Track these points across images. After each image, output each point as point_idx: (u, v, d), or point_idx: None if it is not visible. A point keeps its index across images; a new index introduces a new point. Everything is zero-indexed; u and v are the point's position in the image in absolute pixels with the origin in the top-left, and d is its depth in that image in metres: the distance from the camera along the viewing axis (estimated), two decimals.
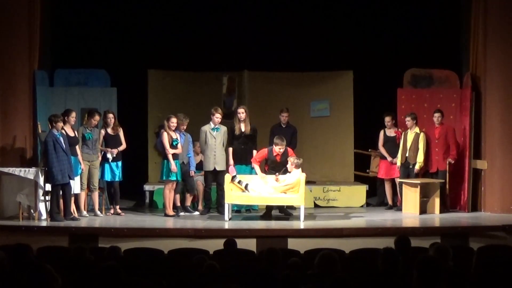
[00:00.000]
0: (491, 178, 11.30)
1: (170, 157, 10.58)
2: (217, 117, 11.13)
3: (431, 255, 5.65)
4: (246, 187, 10.38)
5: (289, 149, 10.81)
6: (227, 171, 10.80)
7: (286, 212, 10.86)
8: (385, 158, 11.64)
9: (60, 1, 12.53)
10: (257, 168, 10.77)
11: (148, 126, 13.29)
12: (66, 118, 10.35)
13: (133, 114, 12.77)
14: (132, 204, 12.36)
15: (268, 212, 10.76)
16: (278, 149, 10.63)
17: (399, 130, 11.58)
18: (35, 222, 10.05)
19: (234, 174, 10.56)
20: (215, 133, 11.17)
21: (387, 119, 11.57)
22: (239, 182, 10.42)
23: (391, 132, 11.59)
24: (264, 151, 10.80)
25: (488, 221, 10.59)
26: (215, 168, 11.13)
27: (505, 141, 11.18)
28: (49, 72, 12.13)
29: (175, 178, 10.64)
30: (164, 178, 10.75)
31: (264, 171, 10.79)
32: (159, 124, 11.56)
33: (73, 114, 10.51)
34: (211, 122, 11.20)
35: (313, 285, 5.10)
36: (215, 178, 11.21)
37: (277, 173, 10.48)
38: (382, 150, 11.67)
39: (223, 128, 11.26)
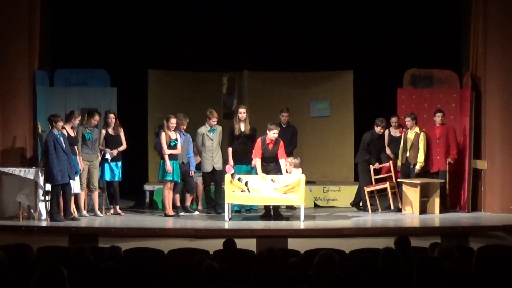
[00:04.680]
0: (491, 178, 11.29)
1: (166, 157, 10.59)
2: (214, 121, 11.19)
3: (431, 255, 5.65)
4: (246, 184, 10.37)
5: (281, 140, 10.79)
6: (225, 171, 10.79)
7: (283, 216, 10.83)
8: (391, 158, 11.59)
9: (60, 1, 12.53)
10: (258, 162, 10.66)
11: (148, 126, 13.29)
12: (72, 119, 10.37)
13: (133, 114, 12.77)
14: (132, 204, 12.36)
15: (267, 212, 10.75)
16: (272, 134, 10.59)
17: (403, 130, 11.54)
18: (35, 222, 10.04)
19: (232, 172, 10.55)
20: (211, 135, 11.21)
21: (394, 119, 11.55)
22: (239, 179, 10.42)
23: (396, 133, 11.56)
24: (258, 142, 10.73)
25: (488, 221, 10.59)
26: (214, 168, 11.15)
27: (505, 141, 11.18)
28: (49, 72, 12.13)
29: (170, 178, 10.65)
30: (160, 178, 10.80)
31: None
32: (159, 124, 11.57)
33: (79, 118, 10.53)
34: (207, 124, 11.22)
35: (313, 285, 5.10)
36: (213, 178, 11.23)
37: (272, 179, 10.47)
38: (387, 149, 11.64)
39: (219, 128, 11.31)
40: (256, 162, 10.72)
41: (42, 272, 4.33)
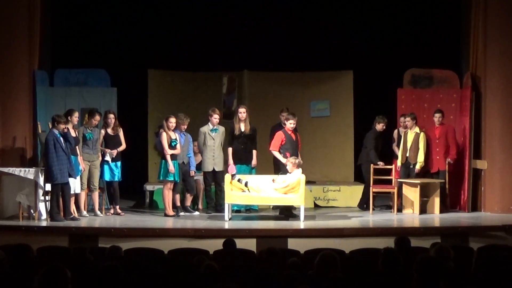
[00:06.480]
0: (491, 178, 11.30)
1: (169, 157, 10.59)
2: (215, 117, 11.18)
3: (431, 255, 5.65)
4: (246, 184, 10.36)
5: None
6: (226, 171, 10.81)
7: (291, 214, 10.82)
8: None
9: (60, 1, 12.53)
10: (278, 155, 10.64)
11: (148, 126, 13.31)
12: (69, 118, 10.38)
13: (133, 114, 12.79)
14: (132, 204, 12.36)
15: (288, 212, 10.70)
16: (289, 124, 10.63)
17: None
18: (35, 222, 10.04)
19: (234, 172, 10.56)
20: (213, 134, 11.20)
21: (402, 119, 11.55)
22: (239, 180, 10.42)
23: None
24: (280, 135, 10.69)
25: (488, 221, 10.59)
26: (214, 169, 11.16)
27: (505, 141, 11.18)
28: (49, 72, 12.13)
29: (172, 179, 10.65)
30: (161, 178, 10.79)
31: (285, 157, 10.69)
32: (159, 124, 11.58)
33: (76, 114, 10.56)
34: (209, 123, 11.23)
35: (313, 285, 5.10)
36: (214, 178, 11.24)
37: (273, 179, 10.46)
38: (396, 150, 11.64)
39: (221, 129, 11.30)
40: (276, 154, 10.66)
41: (45, 273, 4.33)
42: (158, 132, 11.24)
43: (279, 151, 10.65)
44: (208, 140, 11.20)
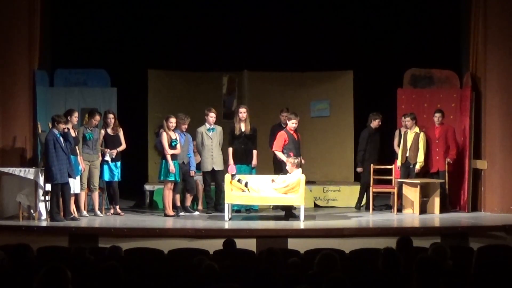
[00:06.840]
0: (491, 178, 11.30)
1: (169, 157, 10.59)
2: (211, 116, 11.19)
3: (431, 255, 5.65)
4: (246, 185, 10.36)
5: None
6: (226, 171, 10.80)
7: (292, 214, 10.80)
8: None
9: (60, 1, 12.53)
10: (281, 155, 10.58)
11: (148, 126, 13.31)
12: (69, 118, 10.38)
13: (133, 114, 12.79)
14: (132, 204, 12.36)
15: (288, 212, 10.69)
16: (291, 123, 10.59)
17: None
18: (35, 222, 10.04)
19: (234, 172, 10.56)
20: (211, 134, 11.21)
21: (403, 119, 11.52)
22: (239, 180, 10.42)
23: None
24: (282, 135, 10.64)
25: (488, 221, 10.59)
26: (213, 168, 11.17)
27: (505, 141, 11.19)
28: (49, 72, 12.14)
29: (173, 179, 10.65)
30: (162, 178, 10.78)
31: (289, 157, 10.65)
32: (159, 124, 11.58)
33: (76, 114, 10.56)
34: (206, 123, 11.24)
35: (313, 285, 5.10)
36: (214, 178, 11.24)
37: (273, 179, 10.45)
38: (397, 149, 11.61)
39: (219, 129, 11.31)
40: (279, 154, 10.58)
41: (46, 273, 4.33)
42: (158, 132, 11.24)
43: (282, 151, 10.64)
44: (205, 140, 11.20)
